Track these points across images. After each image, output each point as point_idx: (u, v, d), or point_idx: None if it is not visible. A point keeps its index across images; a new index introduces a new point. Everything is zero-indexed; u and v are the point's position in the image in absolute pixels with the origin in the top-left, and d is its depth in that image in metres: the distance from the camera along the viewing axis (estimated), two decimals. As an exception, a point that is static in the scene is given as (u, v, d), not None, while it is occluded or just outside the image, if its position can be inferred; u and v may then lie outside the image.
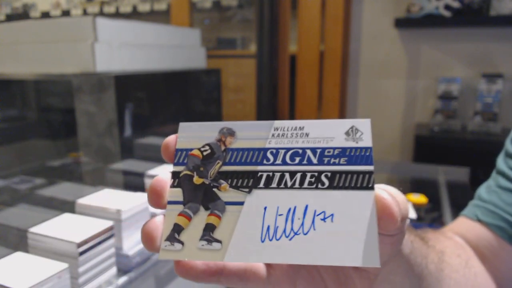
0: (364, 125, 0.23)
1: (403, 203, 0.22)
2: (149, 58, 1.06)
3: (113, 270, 0.65)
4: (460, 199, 0.56)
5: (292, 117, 1.99)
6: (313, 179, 0.22)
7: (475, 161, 1.37)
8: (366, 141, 0.23)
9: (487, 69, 1.81)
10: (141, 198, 0.71)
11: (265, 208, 0.22)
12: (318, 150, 0.23)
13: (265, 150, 0.24)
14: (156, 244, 0.22)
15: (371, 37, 1.99)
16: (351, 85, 2.07)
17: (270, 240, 0.22)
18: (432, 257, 0.33)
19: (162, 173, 0.24)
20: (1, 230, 0.74)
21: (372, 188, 0.22)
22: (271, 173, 0.23)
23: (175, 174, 0.24)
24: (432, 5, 1.76)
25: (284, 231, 0.22)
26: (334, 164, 0.23)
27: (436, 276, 0.33)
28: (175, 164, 0.24)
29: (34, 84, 0.99)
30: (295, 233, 0.21)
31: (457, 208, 0.52)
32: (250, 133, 0.24)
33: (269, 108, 1.90)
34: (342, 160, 0.23)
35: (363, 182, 0.22)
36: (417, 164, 1.59)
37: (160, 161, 0.94)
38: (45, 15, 3.05)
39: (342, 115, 2.01)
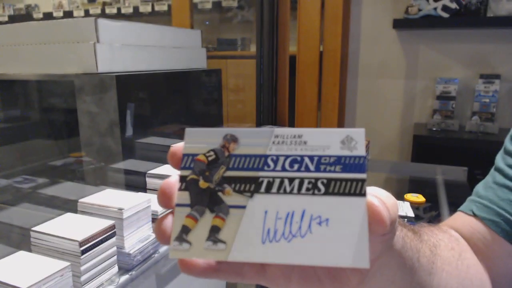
0: (358, 134, 0.24)
1: (393, 206, 0.24)
2: (150, 58, 1.07)
3: (115, 268, 0.66)
4: (458, 198, 0.57)
5: (292, 117, 2.00)
6: (310, 185, 0.24)
7: (472, 160, 1.38)
8: (360, 149, 0.24)
9: (484, 70, 1.82)
10: (142, 197, 0.72)
11: (265, 212, 0.23)
12: (315, 158, 0.24)
13: (266, 156, 0.25)
14: (168, 238, 0.24)
15: (370, 38, 2.00)
16: (350, 85, 2.08)
17: (270, 242, 0.23)
18: (424, 251, 0.33)
19: (171, 176, 0.25)
20: (4, 229, 0.75)
21: (364, 195, 0.23)
22: (271, 179, 0.24)
23: (182, 178, 0.25)
24: (430, 6, 1.77)
25: (283, 233, 0.23)
26: (330, 171, 0.24)
27: (428, 269, 0.34)
28: (182, 168, 0.25)
29: (36, 84, 0.99)
30: (293, 236, 0.23)
31: (455, 208, 0.53)
32: (252, 140, 0.25)
33: (269, 108, 1.91)
34: (338, 168, 0.24)
35: (356, 189, 0.23)
36: (416, 163, 1.60)
37: (161, 161, 0.95)
38: (48, 16, 3.06)
39: (341, 115, 2.02)
